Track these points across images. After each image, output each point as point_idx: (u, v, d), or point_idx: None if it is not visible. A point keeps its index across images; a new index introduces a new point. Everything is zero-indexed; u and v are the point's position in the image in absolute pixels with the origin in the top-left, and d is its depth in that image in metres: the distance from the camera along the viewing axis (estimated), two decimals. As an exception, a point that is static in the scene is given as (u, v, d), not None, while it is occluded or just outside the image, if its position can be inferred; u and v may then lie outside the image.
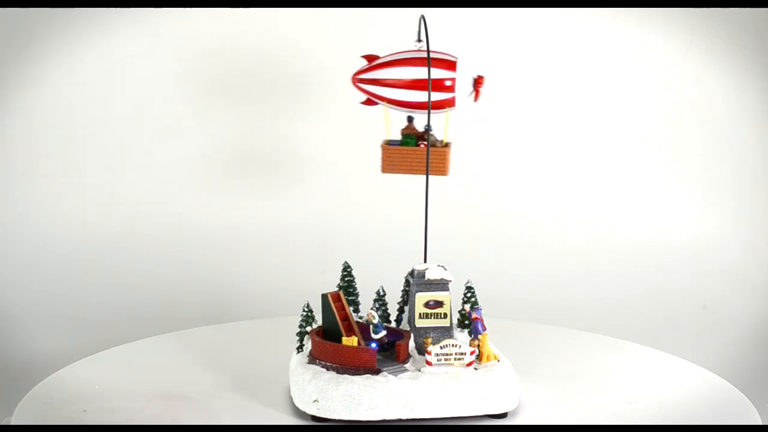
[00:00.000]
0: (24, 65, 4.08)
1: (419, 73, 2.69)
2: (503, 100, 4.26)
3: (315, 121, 4.22)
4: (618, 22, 4.22)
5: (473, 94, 2.74)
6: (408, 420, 2.55)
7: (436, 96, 2.69)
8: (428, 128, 2.74)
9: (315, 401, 2.55)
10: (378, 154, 2.81)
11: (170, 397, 2.74)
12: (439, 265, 2.76)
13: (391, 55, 2.75)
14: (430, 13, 2.77)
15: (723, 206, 4.28)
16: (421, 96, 2.70)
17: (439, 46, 2.73)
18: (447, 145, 2.80)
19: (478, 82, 2.72)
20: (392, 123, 2.77)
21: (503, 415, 2.60)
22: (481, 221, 4.27)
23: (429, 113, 2.73)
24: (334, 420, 2.54)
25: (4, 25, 4.02)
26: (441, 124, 2.77)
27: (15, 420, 2.60)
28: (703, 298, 4.07)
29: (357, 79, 2.78)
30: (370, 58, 2.78)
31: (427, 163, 2.76)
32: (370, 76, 2.75)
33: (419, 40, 2.76)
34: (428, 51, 2.71)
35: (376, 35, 4.03)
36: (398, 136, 2.82)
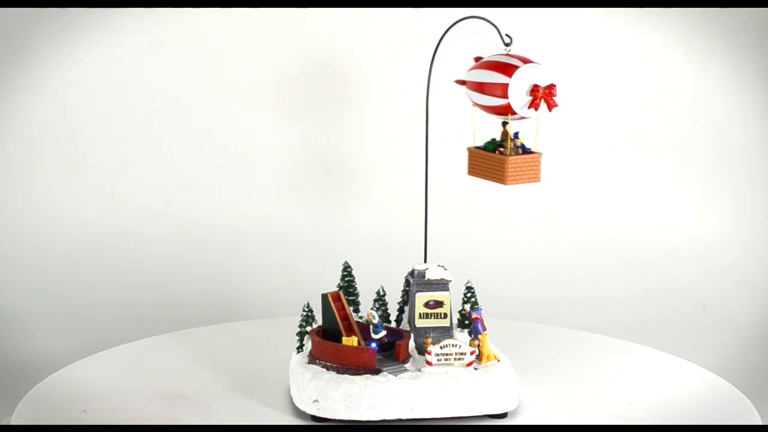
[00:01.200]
0: (24, 65, 4.08)
1: (483, 76, 2.63)
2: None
3: (316, 121, 4.22)
4: (617, 22, 4.22)
5: (529, 104, 2.60)
6: (408, 420, 2.55)
7: (492, 101, 2.63)
8: (516, 135, 2.69)
9: (315, 401, 2.55)
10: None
11: (170, 397, 2.74)
12: (439, 265, 2.76)
13: (490, 57, 2.66)
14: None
15: (723, 206, 4.28)
16: (486, 100, 2.64)
17: (523, 50, 2.66)
18: (528, 152, 2.68)
19: (535, 90, 2.60)
20: (479, 125, 2.71)
21: (503, 415, 2.60)
22: (481, 221, 4.27)
23: (427, 120, 2.73)
24: (334, 420, 2.55)
25: (4, 25, 4.02)
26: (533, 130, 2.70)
27: (15, 420, 2.60)
28: (703, 298, 4.07)
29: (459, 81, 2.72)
30: (477, 59, 2.71)
31: (426, 160, 2.76)
32: (463, 77, 2.69)
33: (507, 44, 2.67)
34: (434, 53, 2.71)
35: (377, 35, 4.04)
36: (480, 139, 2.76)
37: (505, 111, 2.60)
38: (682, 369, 3.01)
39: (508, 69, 2.58)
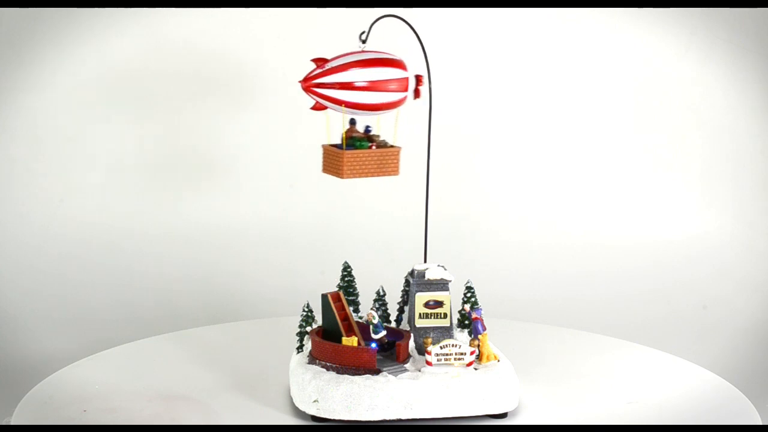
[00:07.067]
0: (24, 65, 4.08)
1: (385, 74, 2.65)
2: (504, 100, 4.27)
3: (315, 121, 4.21)
4: (618, 22, 4.22)
5: (414, 93, 2.71)
6: (408, 420, 2.55)
7: (393, 96, 2.67)
8: (369, 128, 2.76)
9: (315, 401, 2.55)
10: (319, 158, 2.80)
11: (170, 397, 2.74)
12: (439, 265, 2.76)
13: (344, 56, 2.67)
14: (403, 12, 2.75)
15: (723, 206, 4.28)
16: (382, 97, 2.67)
17: (378, 45, 2.69)
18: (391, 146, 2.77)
19: (419, 80, 2.71)
20: (335, 126, 2.75)
21: (503, 415, 2.60)
22: (481, 221, 4.27)
23: (430, 119, 2.73)
24: (334, 420, 2.55)
25: (4, 25, 4.02)
26: (383, 124, 2.77)
27: (15, 420, 2.60)
28: (703, 298, 4.07)
29: (312, 84, 2.68)
30: (319, 61, 2.70)
31: (428, 162, 2.76)
32: (330, 79, 2.67)
33: (364, 41, 2.72)
34: (424, 53, 2.71)
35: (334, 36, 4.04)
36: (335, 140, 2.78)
37: (400, 104, 2.69)
38: (682, 369, 3.01)
39: (401, 64, 2.66)
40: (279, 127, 4.21)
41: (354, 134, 2.78)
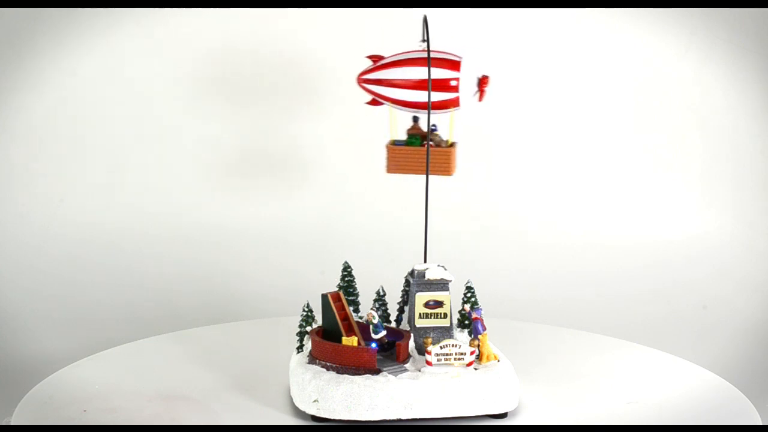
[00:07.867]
0: (24, 65, 4.08)
1: (423, 73, 2.69)
2: (504, 100, 4.26)
3: (315, 121, 4.22)
4: (618, 22, 4.22)
5: (477, 94, 2.73)
6: (408, 420, 2.55)
7: (440, 96, 2.69)
8: (434, 128, 2.75)
9: (315, 401, 2.55)
10: (383, 154, 2.80)
11: (170, 397, 2.74)
12: (439, 265, 2.76)
13: (396, 55, 2.74)
14: (434, 12, 2.76)
15: (723, 206, 4.28)
16: (425, 96, 2.70)
17: (444, 46, 2.73)
18: (452, 145, 2.79)
19: (482, 81, 2.72)
20: (398, 123, 2.77)
21: (503, 415, 2.60)
22: (481, 221, 4.27)
23: (429, 113, 2.73)
24: (334, 420, 2.55)
25: (4, 25, 4.02)
26: (447, 124, 2.77)
27: (15, 420, 2.60)
28: (703, 298, 4.07)
29: (362, 80, 2.78)
30: (375, 58, 2.77)
31: (427, 162, 2.76)
32: (375, 76, 2.75)
33: (424, 40, 2.75)
34: (428, 51, 2.71)
35: (380, 35, 4.03)
36: (403, 136, 2.81)
37: (450, 104, 2.69)
38: (682, 369, 3.01)
39: (452, 64, 2.68)
40: (279, 128, 4.21)
41: (416, 132, 2.79)
